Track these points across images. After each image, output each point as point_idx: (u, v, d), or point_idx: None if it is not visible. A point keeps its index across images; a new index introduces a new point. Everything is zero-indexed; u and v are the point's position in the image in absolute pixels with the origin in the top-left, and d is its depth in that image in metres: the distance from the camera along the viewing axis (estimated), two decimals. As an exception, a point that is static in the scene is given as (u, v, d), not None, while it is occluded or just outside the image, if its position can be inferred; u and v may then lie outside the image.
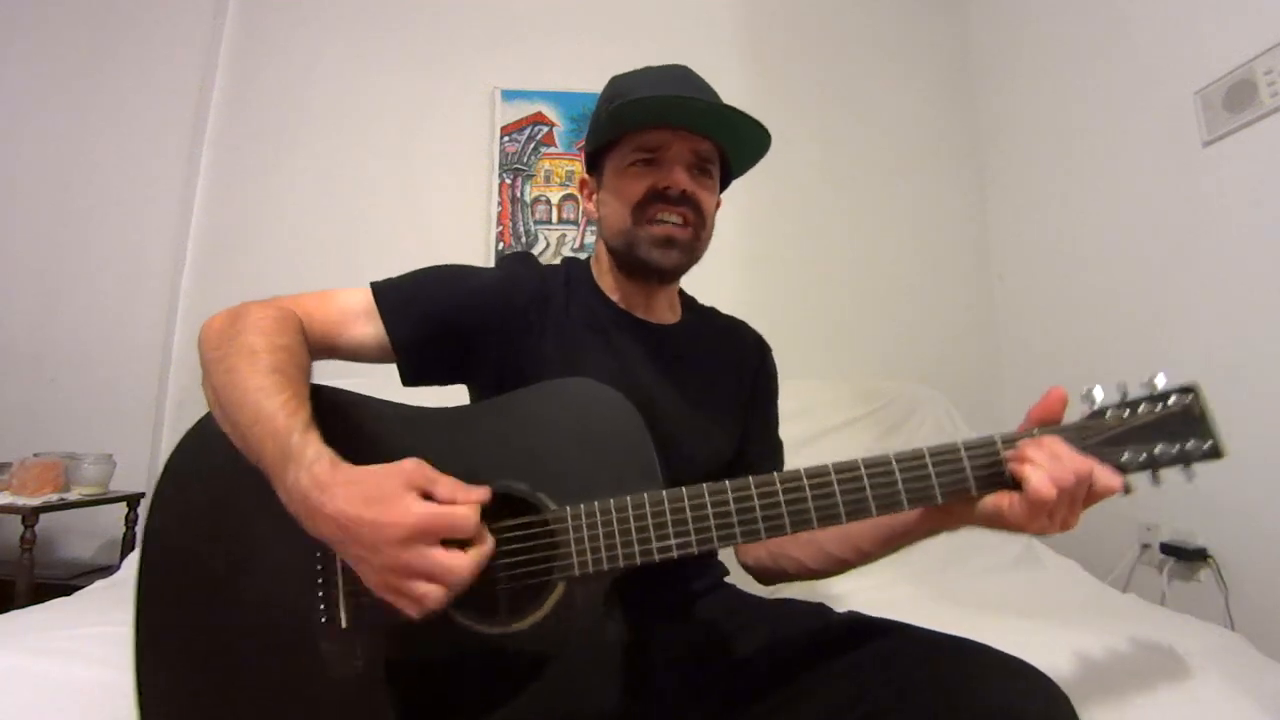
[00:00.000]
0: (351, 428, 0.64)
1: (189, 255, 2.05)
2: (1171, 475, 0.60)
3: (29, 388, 2.00)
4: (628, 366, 0.78)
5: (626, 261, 0.80)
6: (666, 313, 0.87)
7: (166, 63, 2.15)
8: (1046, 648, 0.87)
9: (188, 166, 2.10)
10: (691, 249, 0.79)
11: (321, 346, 0.71)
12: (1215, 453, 0.59)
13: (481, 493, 0.55)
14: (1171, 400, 0.60)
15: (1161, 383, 0.61)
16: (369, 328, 0.73)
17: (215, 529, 0.64)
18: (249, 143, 2.13)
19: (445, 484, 0.54)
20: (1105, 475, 0.56)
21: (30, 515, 1.56)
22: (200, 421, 0.66)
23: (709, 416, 0.80)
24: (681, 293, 0.92)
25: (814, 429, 1.67)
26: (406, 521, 0.51)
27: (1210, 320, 1.41)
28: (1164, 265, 1.54)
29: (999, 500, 0.57)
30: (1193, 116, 1.44)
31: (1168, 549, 1.46)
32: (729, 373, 0.86)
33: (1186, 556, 1.42)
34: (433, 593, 0.51)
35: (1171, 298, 1.51)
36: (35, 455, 1.71)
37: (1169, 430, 0.60)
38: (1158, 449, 0.59)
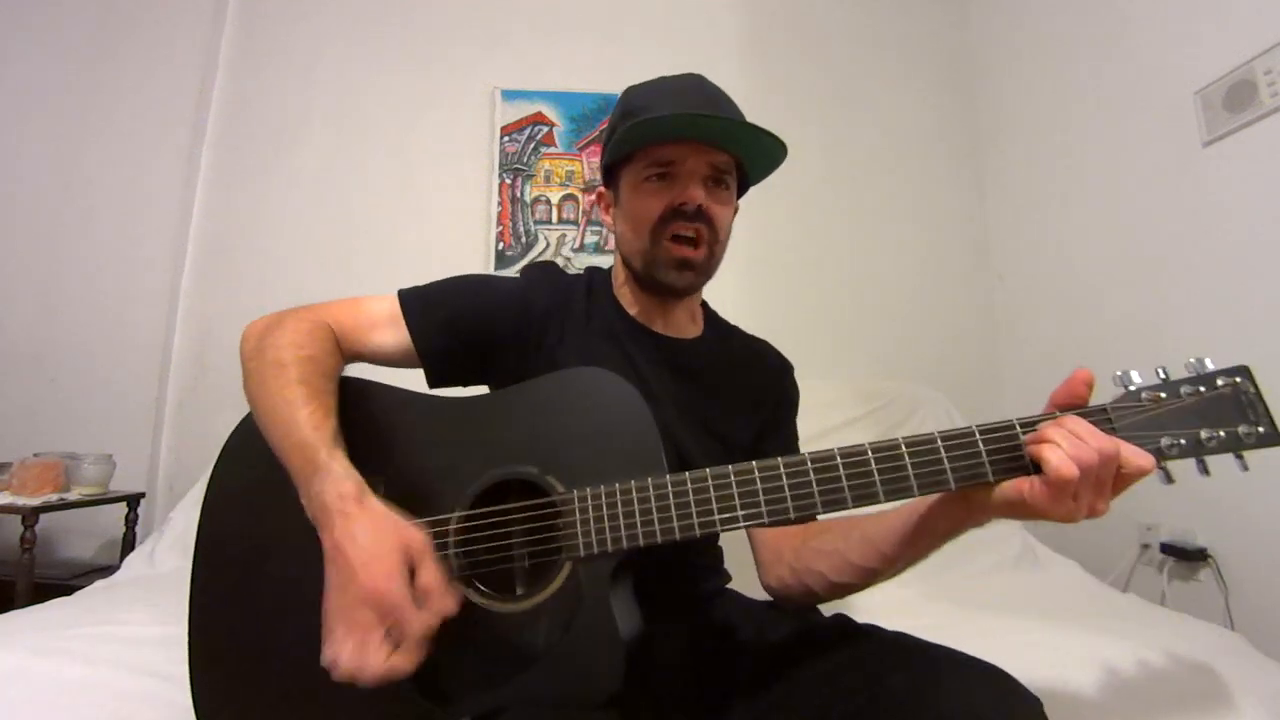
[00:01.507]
0: (375, 416, 0.68)
1: (189, 255, 2.05)
2: (1222, 466, 0.53)
3: (29, 388, 2.00)
4: (640, 377, 0.78)
5: (643, 279, 0.81)
6: (687, 325, 0.87)
7: (166, 63, 2.15)
8: (1046, 648, 0.87)
9: (188, 166, 2.10)
10: (705, 269, 0.80)
11: (351, 352, 0.75)
12: (1273, 438, 0.52)
13: (448, 606, 0.56)
14: (1220, 382, 0.54)
15: (1207, 365, 0.55)
16: (394, 334, 0.76)
17: (266, 507, 0.68)
18: (249, 143, 2.13)
19: (428, 573, 0.55)
20: (1135, 454, 0.51)
21: (30, 515, 1.56)
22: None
23: (718, 431, 0.80)
24: (706, 307, 0.92)
25: (814, 429, 1.66)
26: (373, 586, 0.53)
27: (1210, 320, 1.41)
28: (1164, 265, 1.54)
29: (1019, 485, 0.53)
30: (1193, 116, 1.44)
31: (1168, 549, 1.46)
32: (746, 392, 0.85)
33: (1186, 556, 1.42)
34: (373, 653, 0.52)
35: (1171, 298, 1.51)
36: (35, 455, 1.71)
37: (1215, 414, 0.53)
38: (1203, 434, 0.53)
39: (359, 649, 0.52)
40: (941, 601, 1.18)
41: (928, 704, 0.52)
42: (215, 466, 0.72)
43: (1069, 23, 1.85)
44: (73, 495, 1.70)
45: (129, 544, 1.80)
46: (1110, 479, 0.52)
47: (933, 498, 0.60)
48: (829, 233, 2.19)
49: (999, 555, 1.42)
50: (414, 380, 0.77)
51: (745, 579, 0.89)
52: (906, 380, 1.94)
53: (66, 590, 1.28)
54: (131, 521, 1.83)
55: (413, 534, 0.56)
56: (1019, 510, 0.54)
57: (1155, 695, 0.80)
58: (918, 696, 0.53)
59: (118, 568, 1.50)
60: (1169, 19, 1.53)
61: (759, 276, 2.08)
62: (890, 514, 0.65)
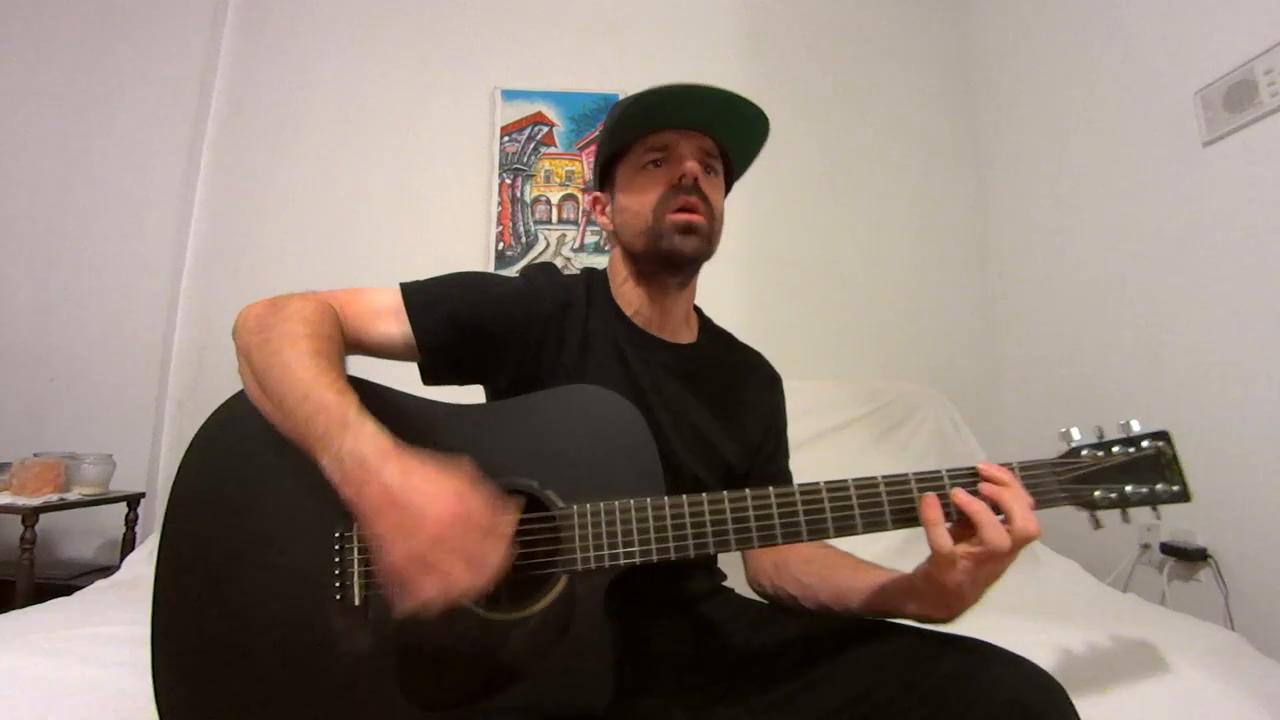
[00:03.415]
0: (378, 416, 0.66)
1: (189, 255, 2.05)
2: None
3: (29, 388, 2.00)
4: (638, 382, 0.79)
5: (649, 258, 0.81)
6: (683, 328, 0.88)
7: (166, 63, 2.15)
8: (1046, 647, 0.87)
9: (188, 166, 2.10)
10: (709, 237, 0.80)
11: (350, 340, 0.74)
12: (1183, 496, 0.64)
13: (515, 511, 0.57)
14: (1145, 444, 0.65)
15: (1136, 427, 0.66)
16: (395, 326, 0.76)
17: (238, 503, 0.66)
18: (249, 143, 2.13)
19: (485, 498, 0.56)
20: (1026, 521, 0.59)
21: (30, 515, 1.56)
22: (229, 401, 0.69)
23: (709, 438, 0.81)
24: (699, 312, 0.93)
25: (814, 429, 1.66)
26: (450, 513, 0.52)
27: (1210, 320, 1.41)
28: (1164, 265, 1.54)
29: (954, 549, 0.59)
30: (1193, 116, 1.44)
31: (1168, 549, 1.46)
32: (740, 403, 0.86)
33: (1186, 556, 1.42)
34: (463, 576, 0.52)
35: (1171, 298, 1.51)
36: (35, 455, 1.72)
37: (1140, 472, 0.64)
38: (1128, 489, 0.64)
39: (444, 578, 0.51)
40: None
41: (972, 689, 0.55)
42: (180, 471, 0.68)
43: (1069, 23, 1.85)
44: (73, 495, 1.70)
45: (129, 544, 1.80)
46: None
47: (896, 583, 0.66)
48: (829, 232, 2.19)
49: (999, 555, 1.42)
50: (408, 382, 0.76)
51: (740, 578, 0.89)
52: (906, 380, 1.94)
53: (66, 590, 1.28)
54: (131, 521, 1.83)
55: (459, 467, 0.56)
56: (932, 588, 0.61)
57: (1155, 695, 0.80)
58: (961, 683, 0.56)
59: (118, 568, 1.50)
60: (1169, 19, 1.53)
61: (759, 276, 2.08)
62: (865, 576, 0.70)
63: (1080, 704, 0.55)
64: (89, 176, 2.10)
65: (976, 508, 0.59)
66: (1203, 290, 1.43)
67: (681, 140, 0.80)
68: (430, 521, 0.52)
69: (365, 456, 0.54)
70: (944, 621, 0.63)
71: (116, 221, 2.08)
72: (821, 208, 2.18)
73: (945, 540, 0.58)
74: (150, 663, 0.62)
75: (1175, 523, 1.47)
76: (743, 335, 0.96)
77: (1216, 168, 1.41)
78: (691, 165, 0.78)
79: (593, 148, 2.17)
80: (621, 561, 0.61)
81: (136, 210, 2.09)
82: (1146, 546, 1.53)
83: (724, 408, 0.84)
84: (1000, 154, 2.19)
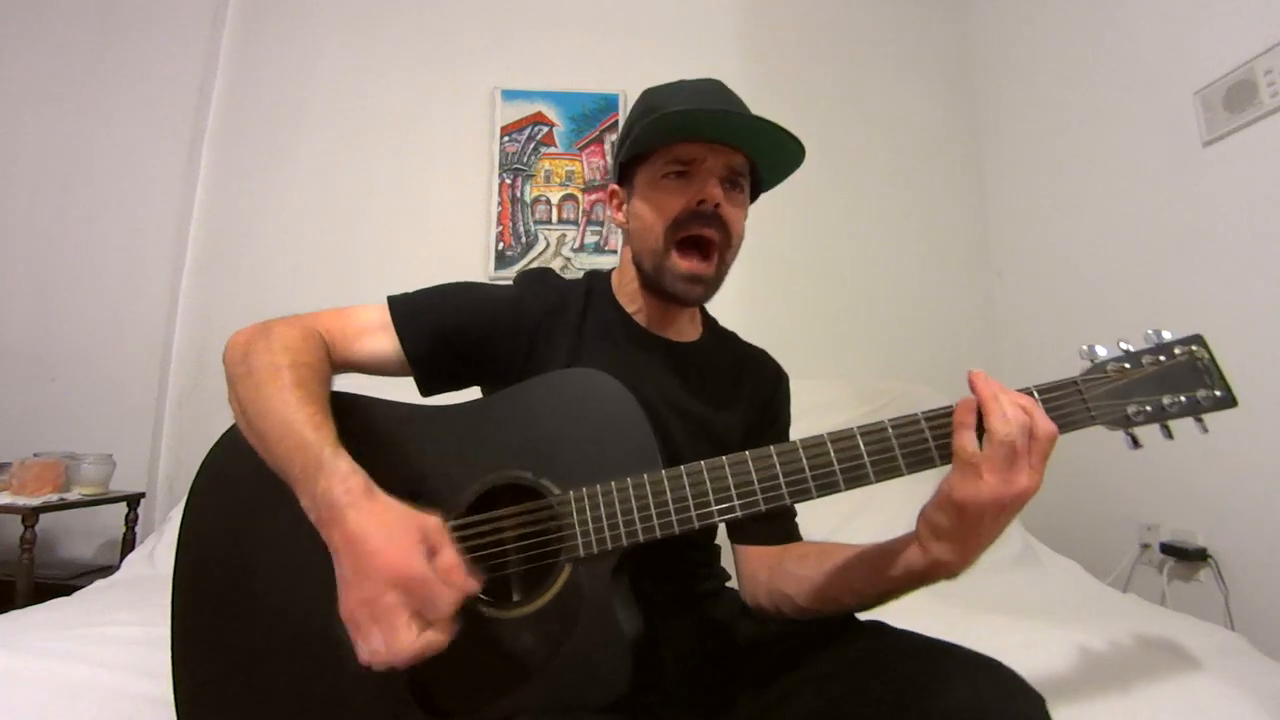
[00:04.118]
0: (362, 428, 0.66)
1: (189, 255, 2.05)
2: (1184, 429, 0.57)
3: (29, 388, 2.00)
4: (634, 377, 0.77)
5: (652, 284, 0.81)
6: (687, 328, 0.87)
7: (166, 62, 2.16)
8: (1046, 647, 0.87)
9: (188, 166, 2.10)
10: (715, 282, 0.80)
11: (341, 359, 0.74)
12: (1228, 401, 0.57)
13: (472, 585, 0.54)
14: (1177, 351, 0.59)
15: (1167, 335, 0.60)
16: (385, 341, 0.76)
17: (246, 529, 0.67)
18: (249, 142, 2.13)
19: (448, 553, 0.54)
20: (1043, 420, 0.55)
21: (30, 515, 1.56)
22: (233, 427, 0.69)
23: (712, 434, 0.80)
24: (704, 311, 0.92)
25: (813, 429, 1.66)
26: (395, 565, 0.52)
27: (1210, 320, 1.40)
28: (1164, 265, 1.54)
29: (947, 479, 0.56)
30: (1193, 116, 1.44)
31: (1168, 549, 1.46)
32: (742, 397, 0.85)
33: (1186, 556, 1.42)
34: (406, 634, 0.51)
35: (1171, 297, 1.51)
36: (35, 455, 1.72)
37: (1176, 382, 0.58)
38: (1165, 400, 0.57)
39: (389, 633, 0.51)
40: (941, 601, 1.18)
41: (933, 695, 0.53)
42: (192, 489, 0.70)
43: (1069, 23, 1.85)
44: (73, 495, 1.70)
45: (129, 544, 1.80)
46: (1024, 450, 0.54)
47: (901, 540, 0.63)
48: (829, 232, 2.19)
49: (999, 555, 1.42)
50: (404, 393, 0.76)
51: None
52: (906, 380, 1.94)
53: (66, 590, 1.28)
54: (131, 521, 1.83)
55: (427, 518, 0.55)
56: (949, 507, 0.56)
57: (1156, 695, 0.80)
58: (924, 688, 0.54)
59: (118, 568, 1.49)
60: (1169, 19, 1.53)
61: (759, 276, 2.08)
62: (863, 549, 0.67)
63: (1080, 704, 0.55)
64: (89, 176, 2.10)
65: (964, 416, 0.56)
66: (1202, 290, 1.43)
67: (709, 155, 0.75)
68: (383, 566, 0.51)
69: (336, 498, 0.55)
70: (953, 573, 0.60)
71: (116, 221, 2.08)
72: (821, 208, 2.18)
73: (971, 441, 0.55)
74: (171, 672, 0.64)
75: (1175, 523, 1.47)
76: (742, 335, 0.96)
77: (1216, 168, 1.41)
78: (715, 191, 0.74)
79: (592, 148, 2.17)
80: (625, 542, 0.59)
81: (136, 210, 2.09)
82: (1146, 546, 1.53)
83: (723, 400, 0.83)
84: (1000, 154, 2.19)
